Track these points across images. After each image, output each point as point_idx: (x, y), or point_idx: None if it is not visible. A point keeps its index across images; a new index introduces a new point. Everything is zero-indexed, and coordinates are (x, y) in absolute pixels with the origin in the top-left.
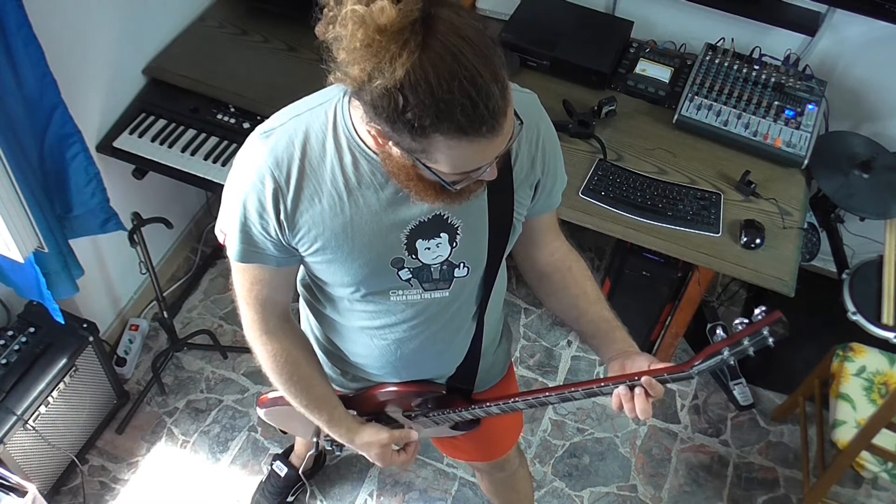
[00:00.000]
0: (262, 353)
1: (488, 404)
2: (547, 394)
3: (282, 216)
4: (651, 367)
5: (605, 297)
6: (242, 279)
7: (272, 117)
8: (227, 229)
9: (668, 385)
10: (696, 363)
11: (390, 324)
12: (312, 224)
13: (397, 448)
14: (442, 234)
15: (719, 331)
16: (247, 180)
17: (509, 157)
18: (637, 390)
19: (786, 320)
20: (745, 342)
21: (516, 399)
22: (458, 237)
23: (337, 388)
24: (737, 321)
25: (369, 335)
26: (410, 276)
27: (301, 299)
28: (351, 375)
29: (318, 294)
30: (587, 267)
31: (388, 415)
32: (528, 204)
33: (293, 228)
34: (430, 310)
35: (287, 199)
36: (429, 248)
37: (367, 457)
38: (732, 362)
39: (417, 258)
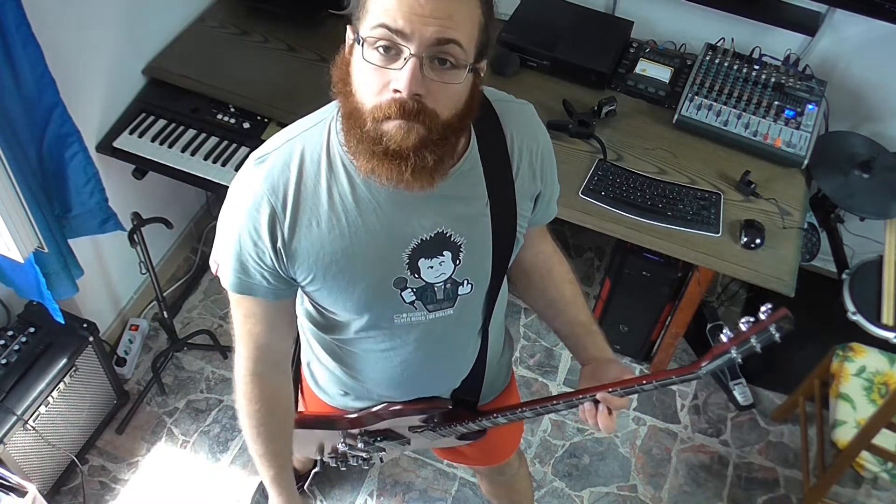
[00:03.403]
0: (241, 391)
1: (495, 415)
2: (555, 402)
3: (279, 244)
4: (626, 377)
5: (584, 300)
6: (237, 311)
7: (266, 142)
8: (220, 259)
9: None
10: (704, 364)
11: (395, 346)
12: (311, 250)
13: None
14: (445, 253)
15: (725, 330)
16: (242, 208)
17: (510, 170)
18: (600, 407)
19: (791, 316)
20: (753, 340)
21: (524, 409)
22: (461, 254)
23: (341, 408)
24: (742, 320)
25: (374, 358)
26: (414, 297)
27: (301, 322)
28: (354, 395)
29: (318, 319)
30: (570, 269)
31: (393, 430)
32: (528, 216)
33: (290, 257)
34: (435, 330)
35: (284, 226)
36: (432, 267)
37: None
38: (740, 361)
39: (420, 277)
